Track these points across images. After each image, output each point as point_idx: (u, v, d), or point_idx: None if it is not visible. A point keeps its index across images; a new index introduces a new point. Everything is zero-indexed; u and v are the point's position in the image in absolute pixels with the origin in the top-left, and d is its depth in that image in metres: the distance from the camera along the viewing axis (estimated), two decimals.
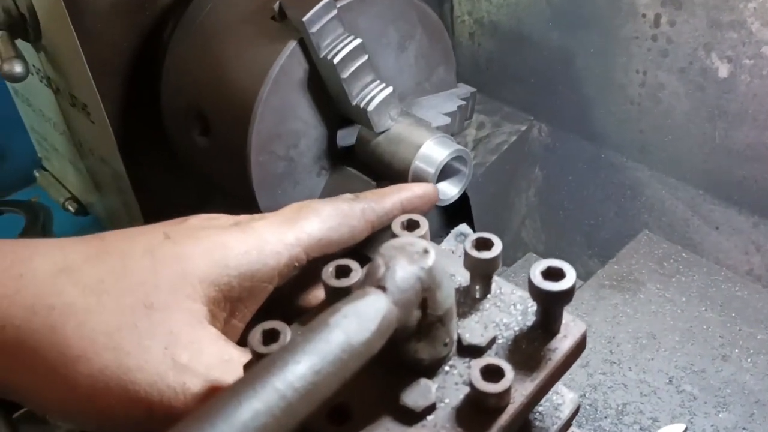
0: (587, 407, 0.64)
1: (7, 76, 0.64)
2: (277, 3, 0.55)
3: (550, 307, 0.36)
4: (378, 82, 0.56)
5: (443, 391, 0.35)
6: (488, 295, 0.39)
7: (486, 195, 0.91)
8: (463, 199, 0.59)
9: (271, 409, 0.25)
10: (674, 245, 0.81)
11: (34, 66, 0.73)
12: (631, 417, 0.63)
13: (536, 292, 0.35)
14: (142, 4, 0.63)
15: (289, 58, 0.54)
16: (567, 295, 0.35)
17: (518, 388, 0.34)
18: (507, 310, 0.38)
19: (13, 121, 0.89)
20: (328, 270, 0.37)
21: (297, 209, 0.45)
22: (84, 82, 0.64)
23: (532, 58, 0.89)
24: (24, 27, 0.66)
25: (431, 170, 0.55)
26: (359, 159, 0.59)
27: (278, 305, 0.44)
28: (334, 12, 0.53)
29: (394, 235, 0.40)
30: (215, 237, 0.41)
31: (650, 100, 0.80)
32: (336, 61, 0.53)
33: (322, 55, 0.54)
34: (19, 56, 0.65)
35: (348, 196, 0.47)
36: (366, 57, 0.54)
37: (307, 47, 0.54)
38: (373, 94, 0.55)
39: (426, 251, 0.33)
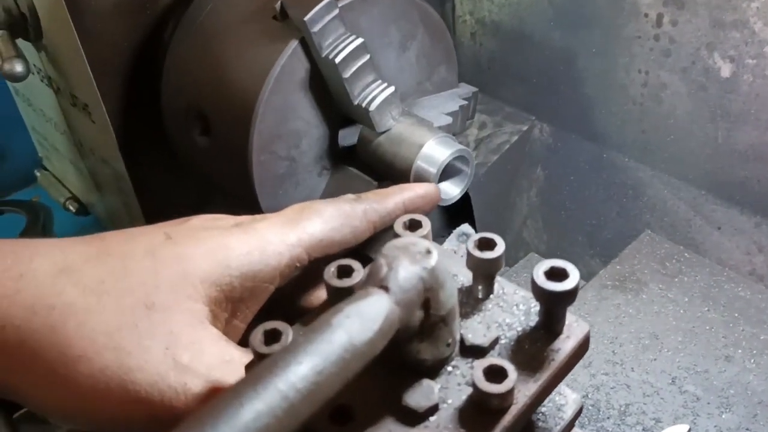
0: (590, 408, 0.64)
1: (8, 75, 0.64)
2: (279, 2, 0.54)
3: (554, 308, 0.36)
4: (379, 81, 0.55)
5: (446, 391, 0.35)
6: (491, 296, 0.39)
7: (487, 195, 0.91)
8: (465, 199, 0.59)
9: (273, 410, 0.25)
10: (677, 245, 0.81)
11: (34, 65, 0.73)
12: (634, 418, 0.63)
13: (539, 293, 0.35)
14: (143, 4, 0.63)
15: (290, 57, 0.54)
16: (570, 296, 0.34)
17: (521, 388, 0.34)
18: (510, 310, 0.38)
19: (14, 121, 0.89)
20: (330, 270, 0.37)
21: (299, 210, 0.44)
22: (85, 82, 0.64)
23: (534, 57, 0.89)
24: (25, 26, 0.66)
25: (433, 170, 0.54)
26: (361, 159, 0.59)
27: (280, 306, 0.43)
28: (336, 11, 0.53)
29: (396, 235, 0.40)
30: (217, 237, 0.41)
31: (652, 100, 0.80)
32: (337, 60, 0.53)
33: (323, 55, 0.53)
34: (20, 56, 0.65)
35: (350, 196, 0.47)
36: (367, 56, 0.54)
37: (308, 47, 0.54)
38: (374, 94, 0.55)
39: (428, 251, 0.33)
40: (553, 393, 0.37)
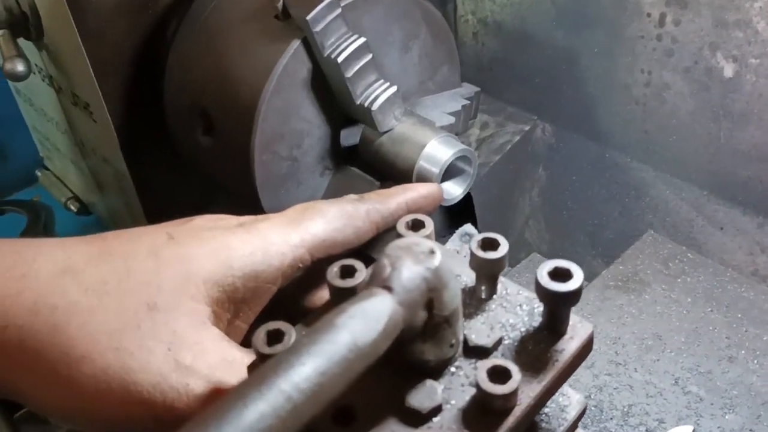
0: (593, 408, 0.63)
1: (9, 74, 0.64)
2: (281, 2, 0.54)
3: (557, 308, 0.36)
4: (382, 81, 0.55)
5: (449, 392, 0.34)
6: (494, 296, 0.39)
7: (489, 195, 0.91)
8: (466, 199, 0.59)
9: (277, 411, 0.25)
10: (679, 246, 0.81)
11: (36, 65, 0.73)
12: (637, 418, 0.63)
13: (543, 293, 0.34)
14: (144, 3, 0.62)
15: (292, 57, 0.54)
16: (574, 296, 0.34)
17: (525, 389, 0.34)
18: (513, 310, 0.38)
19: (15, 121, 0.89)
20: (333, 270, 0.37)
21: (301, 210, 0.44)
22: (86, 81, 0.64)
23: (536, 57, 0.89)
24: (26, 25, 0.66)
25: (436, 170, 0.54)
26: (363, 159, 0.59)
27: (282, 306, 0.43)
28: (338, 11, 0.53)
29: (399, 236, 0.40)
30: (219, 238, 0.41)
31: (655, 100, 0.80)
32: (340, 60, 0.53)
33: (325, 54, 0.53)
34: (21, 55, 0.64)
35: (352, 196, 0.47)
36: (370, 56, 0.54)
37: (310, 46, 0.54)
38: (377, 94, 0.55)
39: (432, 251, 0.32)
40: (557, 394, 0.37)
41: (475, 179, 0.58)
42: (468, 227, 0.57)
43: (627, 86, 0.82)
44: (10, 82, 0.83)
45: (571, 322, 0.36)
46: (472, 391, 0.34)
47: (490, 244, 0.37)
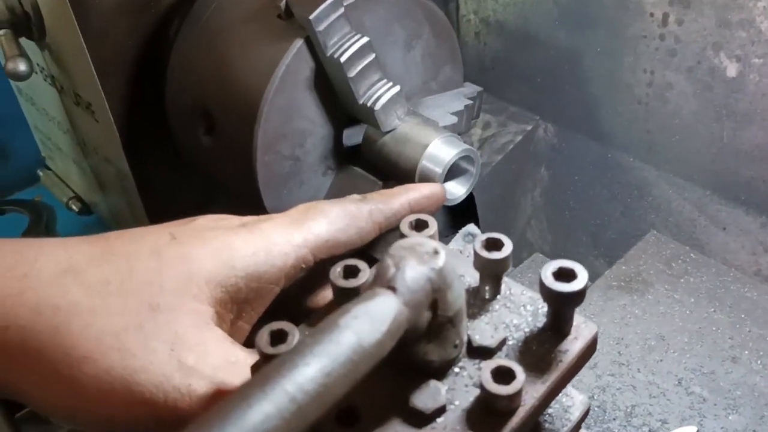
0: (596, 409, 0.63)
1: (11, 74, 0.64)
2: (283, 1, 0.54)
3: (562, 309, 0.35)
4: (385, 81, 0.55)
5: (453, 393, 0.34)
6: (498, 296, 0.38)
7: (492, 195, 0.90)
8: (469, 198, 0.59)
9: (282, 412, 0.25)
10: (682, 246, 0.80)
11: (38, 65, 0.73)
12: (640, 419, 0.62)
13: (547, 293, 0.34)
14: (147, 3, 0.62)
15: (295, 56, 0.54)
16: (579, 297, 0.34)
17: (529, 390, 0.34)
18: (517, 311, 0.38)
19: (17, 120, 0.89)
20: (336, 270, 0.37)
21: (304, 210, 0.44)
22: (88, 81, 0.63)
23: (539, 57, 0.89)
24: (28, 25, 0.66)
25: (438, 170, 0.54)
26: (365, 158, 0.59)
27: (285, 307, 0.43)
28: (341, 10, 0.53)
29: (402, 236, 0.39)
30: (222, 238, 0.41)
31: (658, 100, 0.80)
32: (343, 59, 0.53)
33: (328, 54, 0.53)
34: (23, 55, 0.64)
35: (355, 197, 0.47)
36: (373, 56, 0.54)
37: (313, 46, 0.54)
38: (379, 93, 0.55)
39: (436, 252, 0.32)
40: (560, 394, 0.37)
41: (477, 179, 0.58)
42: (471, 227, 0.57)
43: (629, 86, 0.81)
44: (12, 82, 0.83)
45: (575, 323, 0.36)
46: (476, 391, 0.34)
47: (494, 245, 0.37)
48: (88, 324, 0.37)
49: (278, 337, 0.33)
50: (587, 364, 0.38)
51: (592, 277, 0.81)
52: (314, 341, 0.28)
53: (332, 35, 0.53)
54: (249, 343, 0.40)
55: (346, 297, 0.35)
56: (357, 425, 0.33)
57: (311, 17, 0.52)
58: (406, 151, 0.56)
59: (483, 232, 0.38)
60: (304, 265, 0.42)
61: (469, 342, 0.36)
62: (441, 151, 0.54)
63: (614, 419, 0.63)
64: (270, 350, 0.33)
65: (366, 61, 0.54)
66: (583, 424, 0.40)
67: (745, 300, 0.73)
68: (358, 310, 0.29)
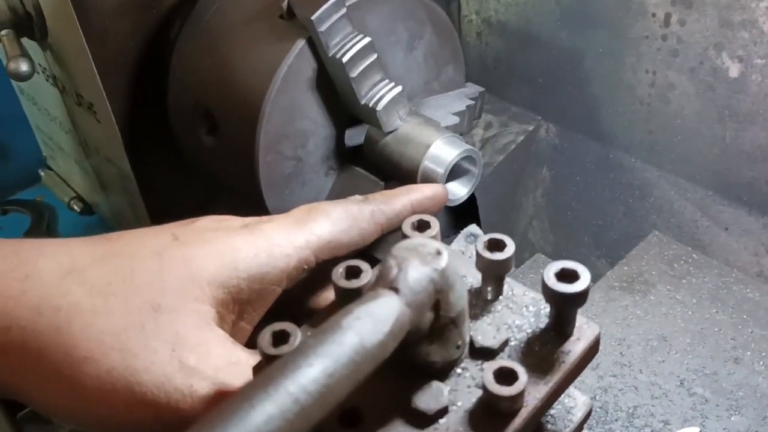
0: (598, 410, 0.63)
1: (13, 74, 0.64)
2: (285, 1, 0.54)
3: (564, 309, 0.35)
4: (387, 81, 0.55)
5: (455, 394, 0.34)
6: (500, 297, 0.38)
7: (493, 195, 0.90)
8: (470, 199, 0.59)
9: (284, 413, 0.25)
10: (684, 246, 0.80)
11: (39, 65, 0.73)
12: (642, 420, 0.62)
13: (550, 294, 0.34)
14: (148, 3, 0.62)
15: (297, 57, 0.54)
16: (581, 297, 0.34)
17: (531, 391, 0.34)
18: (519, 311, 0.38)
19: (19, 120, 0.89)
20: (339, 271, 0.37)
21: (306, 211, 0.44)
22: (90, 81, 0.63)
23: (540, 57, 0.89)
24: (30, 25, 0.66)
25: (440, 170, 0.54)
26: (367, 159, 0.59)
27: (286, 308, 0.43)
28: (343, 10, 0.53)
29: (404, 236, 0.39)
30: (224, 239, 0.41)
31: (660, 101, 0.80)
32: (345, 59, 0.53)
33: (330, 54, 0.53)
34: (25, 55, 0.64)
35: (357, 197, 0.46)
36: (375, 56, 0.54)
37: (315, 46, 0.54)
38: (381, 94, 0.55)
39: (439, 252, 0.32)
40: (563, 395, 0.37)
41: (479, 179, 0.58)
42: (473, 228, 0.57)
43: (631, 86, 0.81)
44: (13, 82, 0.83)
45: (577, 324, 0.36)
46: (479, 392, 0.34)
47: (496, 245, 0.37)
48: (90, 324, 0.37)
49: (280, 338, 0.33)
50: (589, 365, 0.38)
51: (594, 278, 0.81)
52: (317, 342, 0.28)
53: (334, 35, 0.53)
54: (251, 344, 0.40)
55: (348, 298, 0.35)
56: (359, 426, 0.33)
57: (313, 17, 0.52)
58: (408, 152, 0.55)
59: (485, 232, 0.38)
60: (306, 266, 0.42)
61: (472, 343, 0.36)
62: (443, 151, 0.54)
63: (616, 420, 0.63)
64: (272, 351, 0.33)
65: (368, 62, 0.54)
66: (586, 425, 0.40)
67: (748, 301, 0.73)
68: (360, 311, 0.29)
